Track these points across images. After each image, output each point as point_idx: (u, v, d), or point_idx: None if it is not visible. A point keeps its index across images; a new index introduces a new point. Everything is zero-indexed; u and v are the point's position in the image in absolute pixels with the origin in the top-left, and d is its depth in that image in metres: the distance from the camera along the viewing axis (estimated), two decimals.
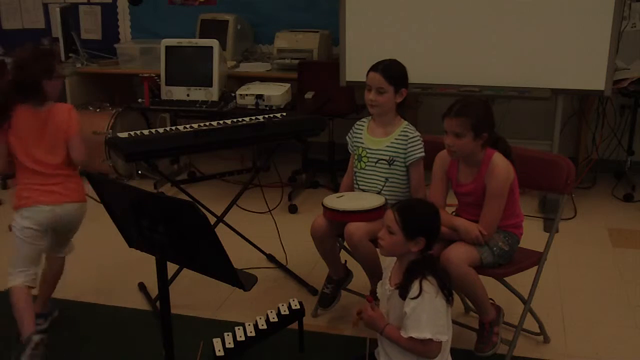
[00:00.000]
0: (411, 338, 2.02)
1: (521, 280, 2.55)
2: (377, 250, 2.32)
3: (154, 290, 3.05)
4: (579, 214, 4.04)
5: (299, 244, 3.38)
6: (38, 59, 2.60)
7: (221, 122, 3.09)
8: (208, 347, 2.42)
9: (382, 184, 2.69)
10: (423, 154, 2.65)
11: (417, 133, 2.69)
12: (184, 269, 2.93)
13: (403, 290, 2.04)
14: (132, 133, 2.95)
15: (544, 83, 3.85)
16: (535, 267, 2.53)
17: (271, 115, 3.25)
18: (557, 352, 2.62)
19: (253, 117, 3.20)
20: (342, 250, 2.83)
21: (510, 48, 3.88)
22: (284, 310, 2.55)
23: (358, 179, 2.76)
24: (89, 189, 2.44)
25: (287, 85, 4.09)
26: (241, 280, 1.92)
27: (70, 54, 5.15)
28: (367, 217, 2.52)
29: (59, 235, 2.74)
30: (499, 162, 2.34)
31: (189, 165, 5.04)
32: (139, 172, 4.89)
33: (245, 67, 4.89)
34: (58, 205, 2.62)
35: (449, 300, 2.05)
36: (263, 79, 4.48)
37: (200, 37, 4.95)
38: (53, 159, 2.63)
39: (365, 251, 2.53)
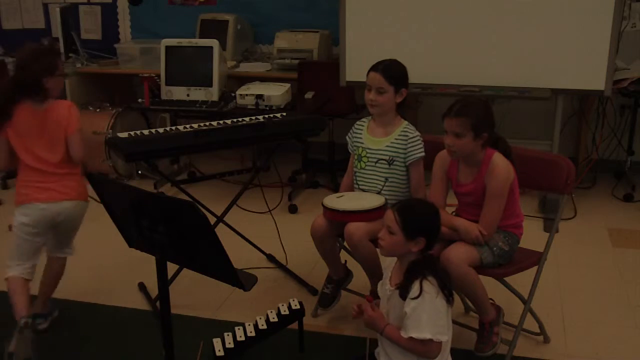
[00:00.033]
0: (411, 338, 2.02)
1: (521, 280, 2.55)
2: (377, 250, 2.32)
3: (154, 290, 3.05)
4: (579, 214, 4.04)
5: (299, 244, 3.38)
6: (39, 57, 2.62)
7: (221, 122, 3.09)
8: (208, 347, 2.42)
9: (382, 183, 2.69)
10: (423, 153, 2.65)
11: (417, 133, 2.69)
12: (184, 269, 2.93)
13: (403, 291, 2.04)
14: (132, 133, 2.95)
15: (544, 83, 3.85)
16: (535, 267, 2.53)
17: (271, 115, 3.25)
18: (557, 352, 2.62)
19: (253, 117, 3.20)
20: (342, 250, 2.83)
21: (510, 48, 3.88)
22: (284, 310, 2.55)
23: (358, 178, 2.76)
24: (89, 189, 2.45)
25: (287, 85, 4.09)
26: (241, 280, 1.92)
27: (70, 54, 5.15)
28: (367, 217, 2.52)
29: (60, 234, 2.74)
30: (499, 162, 2.34)
31: (189, 165, 5.04)
32: (139, 172, 4.89)
33: (245, 67, 4.89)
34: (54, 203, 2.63)
35: (449, 300, 2.05)
36: (263, 79, 4.48)
37: (200, 37, 4.95)
38: (52, 157, 2.64)
39: (365, 251, 2.53)
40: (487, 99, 3.07)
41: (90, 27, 5.70)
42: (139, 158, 2.97)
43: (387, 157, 2.67)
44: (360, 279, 2.83)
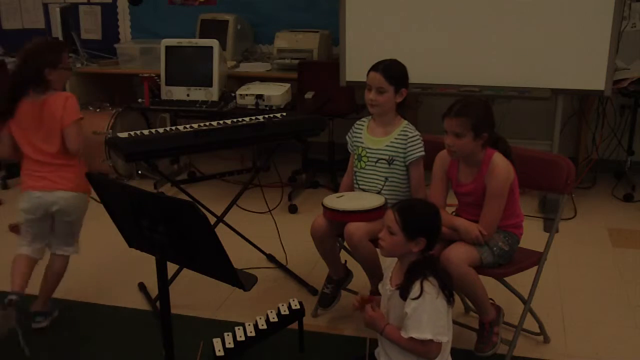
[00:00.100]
0: (411, 338, 2.02)
1: (521, 280, 2.55)
2: (377, 250, 2.32)
3: (154, 290, 3.05)
4: (579, 214, 4.04)
5: (299, 244, 3.38)
6: (45, 49, 2.68)
7: (221, 122, 3.09)
8: (208, 347, 2.42)
9: (382, 183, 2.69)
10: (423, 153, 2.65)
11: (417, 132, 2.69)
12: (184, 269, 2.93)
13: (404, 291, 2.04)
14: (132, 133, 2.95)
15: (544, 83, 3.85)
16: (535, 267, 2.52)
17: (271, 115, 3.25)
18: (557, 352, 2.62)
19: (253, 117, 3.20)
20: (342, 250, 2.83)
21: (510, 48, 3.88)
22: (284, 310, 2.55)
23: (358, 178, 2.76)
24: None
25: (287, 85, 4.09)
26: (241, 280, 1.92)
27: (70, 54, 5.14)
28: (367, 217, 2.52)
29: (59, 226, 2.77)
30: (499, 162, 2.34)
31: (189, 165, 5.04)
32: (139, 172, 4.89)
33: (245, 67, 4.89)
34: (47, 192, 2.67)
35: (449, 301, 2.05)
36: (263, 79, 4.48)
37: (200, 37, 4.95)
38: (49, 148, 2.68)
39: (365, 251, 2.53)
40: (487, 99, 3.08)
41: (90, 27, 5.70)
42: (139, 158, 2.98)
43: (387, 157, 2.67)
44: (360, 279, 2.83)
